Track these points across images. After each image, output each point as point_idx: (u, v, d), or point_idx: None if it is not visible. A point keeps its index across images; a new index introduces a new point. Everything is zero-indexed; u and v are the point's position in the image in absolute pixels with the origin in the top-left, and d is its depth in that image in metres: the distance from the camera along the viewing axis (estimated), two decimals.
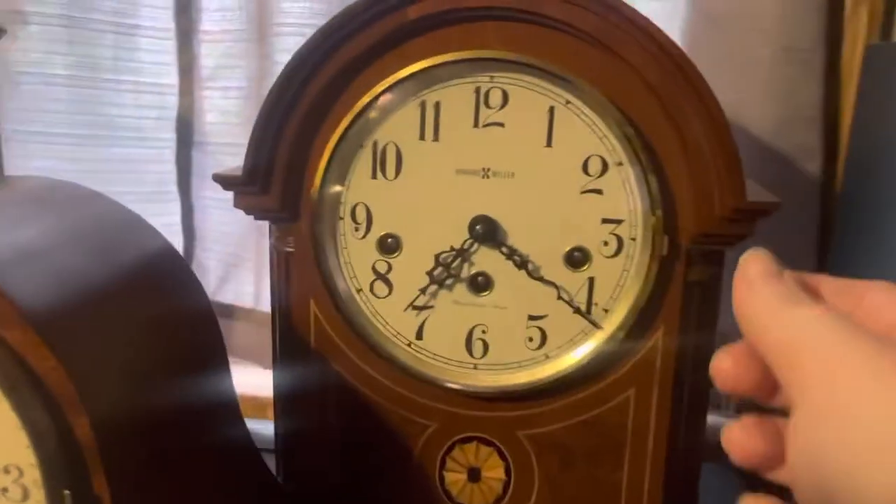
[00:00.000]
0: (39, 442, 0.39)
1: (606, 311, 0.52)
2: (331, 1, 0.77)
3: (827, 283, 0.28)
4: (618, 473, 0.54)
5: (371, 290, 0.54)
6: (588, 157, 0.50)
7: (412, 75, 0.50)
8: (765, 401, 0.28)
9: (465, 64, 0.49)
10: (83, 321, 0.42)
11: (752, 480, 0.29)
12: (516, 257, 0.51)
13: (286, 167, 0.52)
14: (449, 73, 0.50)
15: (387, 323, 0.54)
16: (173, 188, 0.92)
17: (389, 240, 0.53)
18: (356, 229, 0.53)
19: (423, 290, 0.53)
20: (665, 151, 0.49)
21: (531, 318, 0.53)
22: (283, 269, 0.55)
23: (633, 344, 0.52)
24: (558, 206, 0.51)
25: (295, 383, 0.57)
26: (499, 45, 0.49)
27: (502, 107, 0.50)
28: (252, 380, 0.80)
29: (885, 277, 0.28)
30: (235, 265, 0.91)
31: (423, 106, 0.51)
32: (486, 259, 0.52)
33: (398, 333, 0.54)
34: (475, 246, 0.52)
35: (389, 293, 0.54)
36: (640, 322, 0.51)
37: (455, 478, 0.57)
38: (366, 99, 0.51)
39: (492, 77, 0.50)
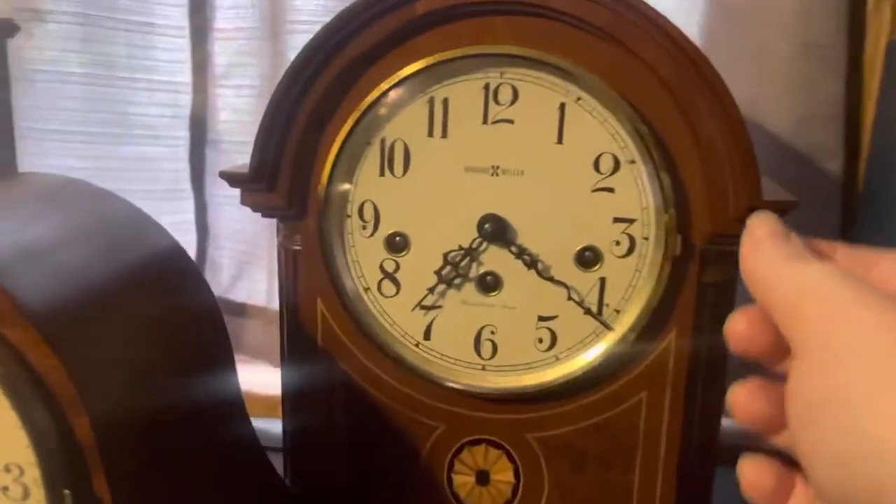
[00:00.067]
0: (39, 441, 0.38)
1: (618, 312, 0.51)
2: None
3: (842, 250, 0.28)
4: (629, 477, 0.53)
5: (379, 289, 0.53)
6: (599, 155, 0.49)
7: (420, 71, 0.49)
8: (776, 365, 0.28)
9: (475, 59, 0.49)
10: (85, 320, 0.42)
11: None
12: (526, 257, 0.51)
13: (293, 164, 0.52)
14: (458, 68, 0.49)
15: (394, 322, 0.54)
16: (187, 186, 0.92)
17: (397, 238, 0.52)
18: (364, 227, 0.53)
19: (431, 290, 0.52)
20: (678, 149, 0.48)
21: (541, 318, 0.52)
22: (290, 268, 0.55)
23: (645, 346, 0.51)
24: (569, 205, 0.50)
25: (302, 381, 0.56)
26: (509, 41, 0.48)
27: (512, 103, 0.49)
28: (264, 378, 0.79)
29: None
30: (248, 263, 0.91)
31: (431, 102, 0.50)
32: (495, 258, 0.51)
33: (406, 333, 0.54)
34: (484, 245, 0.51)
35: (397, 292, 0.53)
36: (652, 323, 0.50)
37: (463, 480, 0.56)
38: (373, 95, 0.50)
39: (501, 73, 0.49)
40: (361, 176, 0.52)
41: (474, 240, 0.51)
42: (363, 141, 0.51)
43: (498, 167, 0.50)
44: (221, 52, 0.86)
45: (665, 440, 0.52)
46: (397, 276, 0.53)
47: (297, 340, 0.56)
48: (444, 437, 0.55)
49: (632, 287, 0.50)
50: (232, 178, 0.53)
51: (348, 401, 0.56)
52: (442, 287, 0.52)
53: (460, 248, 0.51)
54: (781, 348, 0.27)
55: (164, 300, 0.48)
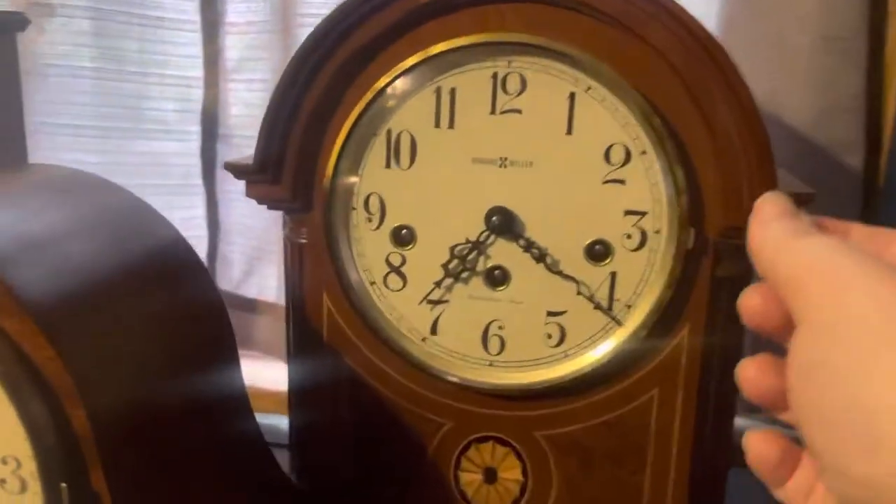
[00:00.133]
0: (36, 434, 0.38)
1: (629, 307, 0.49)
2: None
3: (858, 229, 0.29)
4: (639, 476, 0.52)
5: (385, 282, 0.53)
6: (610, 146, 0.47)
7: (426, 60, 0.48)
8: (788, 342, 0.28)
9: (482, 48, 0.48)
10: (85, 312, 0.41)
11: None
12: (534, 250, 0.49)
13: (298, 156, 0.51)
14: (465, 57, 0.48)
15: (401, 317, 0.53)
16: (199, 181, 0.92)
17: (403, 231, 0.51)
18: (369, 220, 0.52)
19: (437, 284, 0.51)
20: (691, 140, 0.47)
21: (550, 313, 0.51)
22: (296, 261, 0.54)
23: (656, 342, 0.49)
24: (579, 197, 0.48)
25: (307, 376, 0.56)
26: (517, 28, 0.47)
27: (520, 93, 0.48)
28: (273, 374, 0.79)
29: None
30: (259, 258, 0.91)
31: (438, 92, 0.49)
32: (503, 252, 0.50)
33: (412, 328, 0.53)
34: (492, 238, 0.50)
35: (403, 286, 0.52)
36: (664, 319, 0.49)
37: (470, 478, 0.55)
38: (379, 85, 0.49)
39: (510, 61, 0.48)
40: (367, 168, 0.51)
41: (482, 233, 0.50)
42: (369, 132, 0.50)
43: (506, 158, 0.49)
44: (233, 47, 0.86)
45: (677, 439, 0.51)
46: (403, 269, 0.52)
47: (303, 335, 0.55)
48: (450, 434, 0.54)
49: (643, 282, 0.49)
50: (237, 170, 0.52)
51: (354, 396, 0.55)
52: (449, 281, 0.51)
53: (467, 241, 0.50)
54: (793, 325, 0.26)
55: (166, 293, 0.48)
